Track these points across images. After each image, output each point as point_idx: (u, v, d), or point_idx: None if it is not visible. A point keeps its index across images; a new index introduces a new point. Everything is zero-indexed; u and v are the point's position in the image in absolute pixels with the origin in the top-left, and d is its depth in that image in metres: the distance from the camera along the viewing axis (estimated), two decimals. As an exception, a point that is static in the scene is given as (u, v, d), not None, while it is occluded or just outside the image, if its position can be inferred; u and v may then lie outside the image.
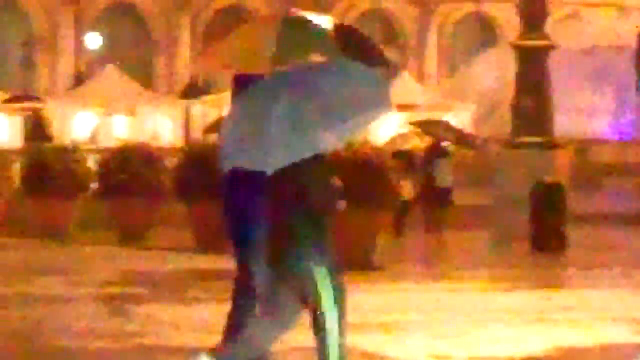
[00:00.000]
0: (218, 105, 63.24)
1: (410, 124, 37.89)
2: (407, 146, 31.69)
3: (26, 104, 61.55)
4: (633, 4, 71.18)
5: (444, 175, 30.04)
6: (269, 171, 7.76)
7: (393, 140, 34.54)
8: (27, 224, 29.89)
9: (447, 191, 29.86)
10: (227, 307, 10.38)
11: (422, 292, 19.60)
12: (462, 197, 34.99)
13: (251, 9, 74.44)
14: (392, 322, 15.12)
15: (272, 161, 7.72)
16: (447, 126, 37.20)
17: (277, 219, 8.06)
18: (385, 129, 42.06)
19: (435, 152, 30.73)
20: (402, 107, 51.53)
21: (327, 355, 8.18)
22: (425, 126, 34.51)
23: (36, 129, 57.84)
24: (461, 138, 37.03)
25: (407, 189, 26.71)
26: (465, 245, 29.16)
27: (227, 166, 8.28)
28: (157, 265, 23.70)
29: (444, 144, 32.65)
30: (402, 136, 34.98)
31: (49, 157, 30.13)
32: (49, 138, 52.90)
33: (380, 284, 20.13)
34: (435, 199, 29.16)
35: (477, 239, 29.62)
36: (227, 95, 53.32)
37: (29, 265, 23.41)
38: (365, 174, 21.52)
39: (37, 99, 63.96)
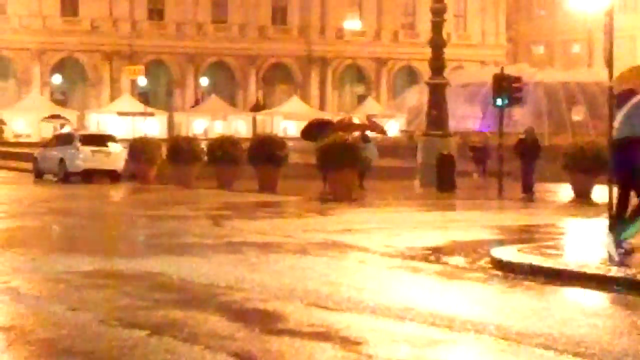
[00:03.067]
0: (270, 115, 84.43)
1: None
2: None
3: (167, 113, 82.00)
4: (492, 60, 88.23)
5: (371, 153, 31.70)
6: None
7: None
8: (169, 178, 33.75)
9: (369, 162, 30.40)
10: (276, 221, 16.97)
11: (378, 213, 22.74)
12: (401, 163, 40.06)
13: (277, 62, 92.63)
14: (363, 229, 18.23)
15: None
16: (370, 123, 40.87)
17: None
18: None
19: (364, 139, 32.43)
20: (371, 116, 63.07)
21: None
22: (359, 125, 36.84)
23: (170, 127, 79.23)
24: (377, 129, 39.68)
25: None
26: (402, 188, 32.29)
27: (620, 135, 12.75)
28: (238, 199, 26.96)
29: (370, 133, 35.37)
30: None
31: (181, 142, 35.20)
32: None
33: (355, 208, 23.83)
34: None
35: (409, 185, 33.18)
36: (275, 110, 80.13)
37: (169, 199, 27.03)
38: (345, 150, 27.12)
39: (170, 113, 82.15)
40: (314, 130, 33.29)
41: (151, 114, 75.09)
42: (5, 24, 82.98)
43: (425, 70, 52.19)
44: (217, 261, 13.89)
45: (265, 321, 9.65)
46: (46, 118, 75.79)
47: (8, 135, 74.38)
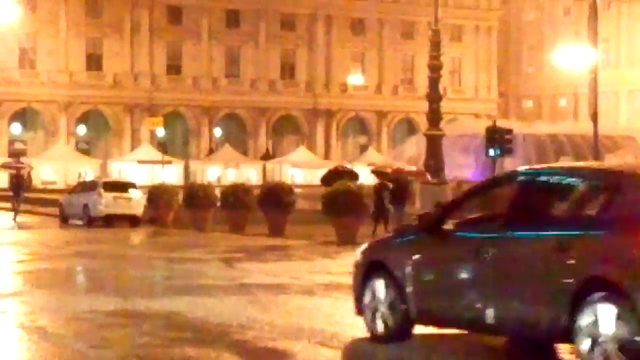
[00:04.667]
0: (279, 164, 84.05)
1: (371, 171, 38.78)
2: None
3: (183, 161, 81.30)
4: (485, 113, 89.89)
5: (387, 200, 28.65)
6: None
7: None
8: (185, 222, 33.68)
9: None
10: (285, 263, 15.47)
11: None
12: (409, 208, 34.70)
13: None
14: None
15: None
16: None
17: None
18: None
19: (383, 187, 29.17)
20: (372, 164, 59.54)
21: None
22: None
23: (186, 174, 78.73)
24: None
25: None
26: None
27: None
28: (249, 243, 26.62)
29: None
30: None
31: (196, 189, 35.08)
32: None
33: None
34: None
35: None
36: (284, 159, 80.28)
37: (185, 242, 26.83)
38: (349, 197, 26.74)
39: (186, 161, 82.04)
40: (333, 177, 33.16)
41: (169, 162, 74.97)
42: (35, 78, 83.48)
43: (423, 122, 52.22)
44: (229, 302, 13.90)
45: (275, 359, 9.60)
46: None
47: (36, 182, 74.35)
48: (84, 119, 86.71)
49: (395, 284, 10.33)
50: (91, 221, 35.98)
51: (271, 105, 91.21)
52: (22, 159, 76.67)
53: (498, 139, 31.11)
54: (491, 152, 30.86)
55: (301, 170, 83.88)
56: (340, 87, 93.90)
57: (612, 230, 8.52)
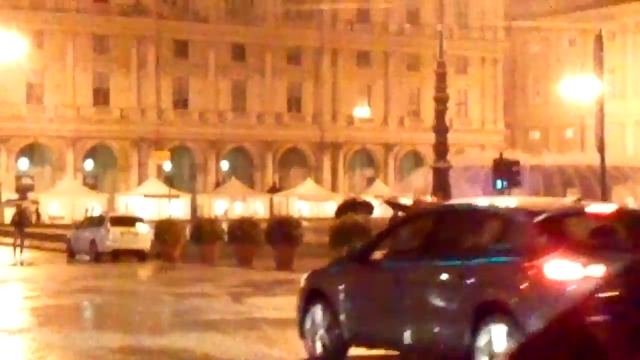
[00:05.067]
0: (286, 197, 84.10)
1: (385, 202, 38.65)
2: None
3: (190, 195, 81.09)
4: (491, 144, 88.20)
5: None
6: None
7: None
8: (192, 257, 33.47)
9: None
10: (293, 298, 12.54)
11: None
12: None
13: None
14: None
15: None
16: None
17: None
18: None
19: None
20: (379, 196, 60.06)
21: None
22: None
23: (193, 208, 78.54)
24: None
25: None
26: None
27: None
28: (257, 277, 26.86)
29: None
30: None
31: (203, 223, 35.40)
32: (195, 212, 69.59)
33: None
34: None
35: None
36: (291, 192, 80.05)
37: (192, 277, 26.80)
38: (355, 229, 26.74)
39: (193, 195, 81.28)
40: (347, 209, 33.30)
41: (176, 196, 75.11)
42: (42, 113, 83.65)
43: (429, 154, 51.23)
44: (237, 337, 13.83)
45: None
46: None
47: (44, 218, 74.46)
48: (91, 153, 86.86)
49: (330, 309, 11.35)
50: (98, 256, 35.90)
51: (278, 138, 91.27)
52: (29, 195, 77.12)
53: (505, 171, 31.10)
54: (498, 184, 30.84)
55: (308, 203, 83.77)
56: (346, 119, 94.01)
57: (500, 260, 9.65)
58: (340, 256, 14.61)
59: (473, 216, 10.76)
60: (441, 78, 37.13)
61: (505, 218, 10.21)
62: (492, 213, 10.58)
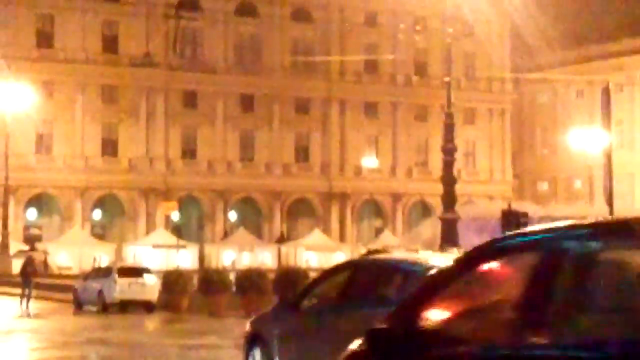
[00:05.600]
0: (294, 247, 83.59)
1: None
2: None
3: (198, 245, 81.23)
4: (500, 195, 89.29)
5: None
6: None
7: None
8: (200, 308, 33.57)
9: None
10: None
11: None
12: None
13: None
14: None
15: None
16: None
17: None
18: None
19: None
20: (387, 247, 60.05)
21: None
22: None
23: (201, 259, 77.64)
24: None
25: None
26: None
27: None
28: None
29: None
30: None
31: (211, 274, 35.46)
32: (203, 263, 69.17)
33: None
34: None
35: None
36: (299, 242, 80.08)
37: (200, 329, 27.01)
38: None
39: (201, 245, 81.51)
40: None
41: (183, 247, 74.72)
42: (51, 164, 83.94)
43: (437, 204, 51.41)
44: (244, 391, 13.62)
45: None
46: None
47: (52, 268, 74.22)
48: (99, 203, 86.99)
49: (267, 352, 12.42)
50: (106, 307, 35.83)
51: (286, 188, 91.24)
52: (37, 245, 77.05)
53: (514, 222, 30.99)
54: (507, 236, 30.47)
55: (316, 253, 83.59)
56: (354, 170, 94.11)
57: None
58: (277, 303, 15.80)
59: (379, 269, 12.01)
60: (449, 129, 37.21)
61: (401, 271, 11.43)
62: (391, 267, 11.88)
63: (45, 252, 74.20)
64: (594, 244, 5.45)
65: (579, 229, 5.62)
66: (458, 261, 6.29)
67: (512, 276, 5.83)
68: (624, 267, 5.30)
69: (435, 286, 6.19)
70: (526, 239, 5.94)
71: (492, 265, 5.95)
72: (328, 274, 13.24)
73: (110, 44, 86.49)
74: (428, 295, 6.05)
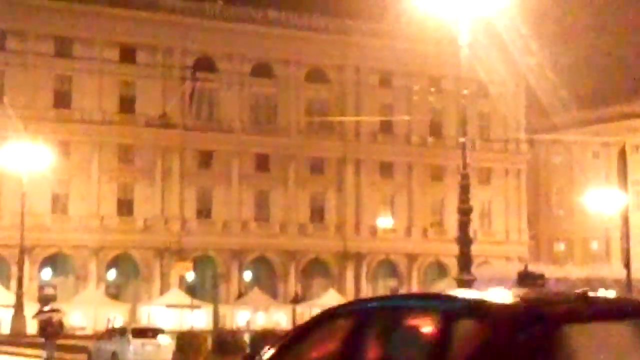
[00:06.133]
0: (309, 307, 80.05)
1: None
2: None
3: (212, 305, 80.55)
4: (516, 255, 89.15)
5: None
6: None
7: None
8: None
9: None
10: None
11: None
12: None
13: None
14: None
15: None
16: None
17: None
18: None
19: None
20: None
21: None
22: None
23: (216, 319, 77.16)
24: None
25: None
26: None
27: None
28: None
29: None
30: None
31: (225, 335, 37.28)
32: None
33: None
34: None
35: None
36: (313, 302, 79.72)
37: None
38: None
39: (215, 305, 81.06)
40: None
41: (198, 307, 74.35)
42: (66, 223, 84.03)
43: (453, 265, 51.89)
44: None
45: None
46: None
47: (66, 328, 73.77)
48: (114, 263, 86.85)
49: None
50: (120, 369, 35.70)
51: (301, 248, 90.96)
52: (52, 305, 76.68)
53: (530, 284, 30.67)
54: (523, 297, 30.24)
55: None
56: (369, 230, 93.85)
57: None
58: None
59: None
60: (465, 190, 37.02)
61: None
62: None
63: (62, 312, 73.88)
64: (393, 315, 6.67)
65: (383, 302, 6.99)
66: (306, 323, 7.35)
67: (336, 339, 6.87)
68: (419, 335, 6.42)
69: (284, 345, 7.11)
70: (351, 307, 7.27)
71: (328, 328, 7.06)
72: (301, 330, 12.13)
73: (126, 105, 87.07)
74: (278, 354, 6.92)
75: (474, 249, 38.00)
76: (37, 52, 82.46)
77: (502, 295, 6.61)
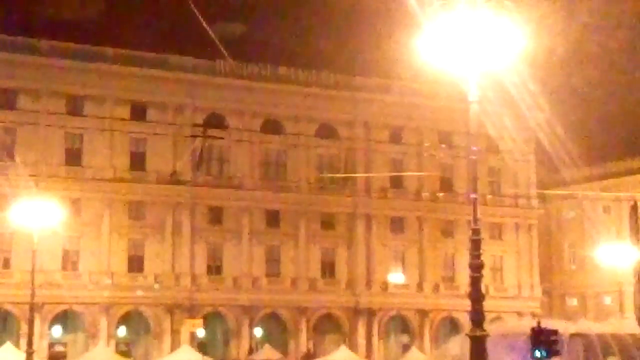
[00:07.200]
0: None
1: None
2: None
3: None
4: (528, 311, 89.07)
5: None
6: None
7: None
8: None
9: None
10: None
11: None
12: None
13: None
14: None
15: None
16: None
17: None
18: None
19: None
20: None
21: None
22: None
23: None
24: None
25: None
26: None
27: None
28: None
29: None
30: None
31: None
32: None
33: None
34: None
35: None
36: (325, 358, 79.35)
37: None
38: None
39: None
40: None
41: (208, 364, 74.65)
42: (77, 280, 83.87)
43: (465, 320, 51.21)
44: None
45: None
46: None
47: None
48: (124, 320, 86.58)
49: None
50: None
51: (312, 304, 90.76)
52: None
53: (544, 340, 30.42)
54: (537, 354, 30.10)
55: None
56: (381, 285, 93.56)
57: None
58: None
59: None
60: (476, 245, 36.65)
61: None
62: None
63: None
64: None
65: None
66: None
67: None
68: None
69: None
70: None
71: None
72: None
73: (137, 162, 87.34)
74: None
75: (486, 304, 37.30)
76: (48, 110, 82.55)
77: None
